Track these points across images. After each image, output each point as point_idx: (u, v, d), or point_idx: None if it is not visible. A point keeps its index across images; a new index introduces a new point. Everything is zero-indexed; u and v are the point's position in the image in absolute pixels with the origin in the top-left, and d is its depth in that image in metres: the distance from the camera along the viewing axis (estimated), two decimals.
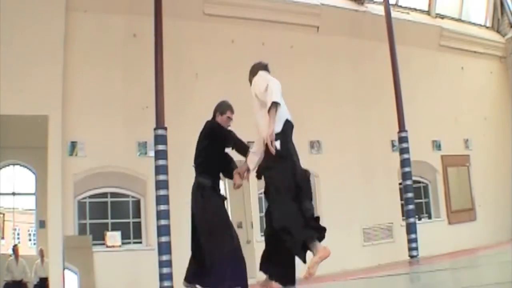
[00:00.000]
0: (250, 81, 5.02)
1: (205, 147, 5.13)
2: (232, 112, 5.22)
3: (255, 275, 8.54)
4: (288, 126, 4.66)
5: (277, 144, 4.50)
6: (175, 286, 7.34)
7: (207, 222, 5.00)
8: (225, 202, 5.36)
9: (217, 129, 5.15)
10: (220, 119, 5.19)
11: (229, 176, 5.21)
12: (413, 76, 11.43)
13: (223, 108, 5.21)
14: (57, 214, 8.04)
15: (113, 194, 9.17)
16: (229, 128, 5.23)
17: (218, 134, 5.13)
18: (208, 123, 5.24)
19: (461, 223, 11.93)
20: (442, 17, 13.10)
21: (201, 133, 5.23)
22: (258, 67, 5.00)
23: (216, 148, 5.14)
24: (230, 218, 5.30)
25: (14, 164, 11.24)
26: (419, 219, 11.27)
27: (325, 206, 10.15)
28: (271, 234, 4.66)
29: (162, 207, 7.71)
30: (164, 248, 7.54)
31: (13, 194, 11.44)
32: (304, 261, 4.47)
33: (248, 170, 5.02)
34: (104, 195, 9.13)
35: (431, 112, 11.88)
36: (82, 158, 8.52)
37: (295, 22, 10.63)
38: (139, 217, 9.14)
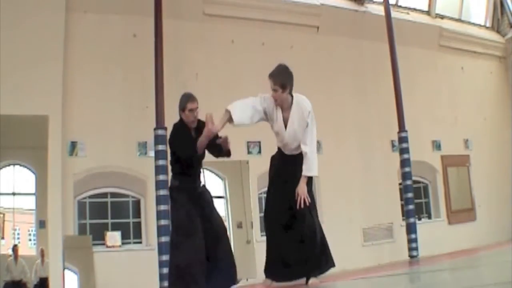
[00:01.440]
0: (282, 86, 4.97)
1: (172, 152, 4.99)
2: (192, 102, 4.91)
3: (255, 275, 8.56)
4: None
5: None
6: None
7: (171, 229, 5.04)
8: (199, 199, 4.99)
9: (172, 142, 4.93)
10: (184, 116, 4.92)
11: (219, 150, 4.96)
12: (413, 76, 11.43)
13: (182, 103, 4.93)
14: (57, 214, 8.03)
15: (113, 194, 9.16)
16: (197, 118, 4.95)
17: (173, 148, 4.95)
18: (173, 127, 5.03)
19: (461, 223, 11.92)
20: (442, 17, 13.09)
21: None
22: (291, 80, 5.05)
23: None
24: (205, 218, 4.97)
25: (14, 164, 11.21)
26: (419, 219, 11.28)
27: (325, 206, 10.15)
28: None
29: (162, 207, 7.71)
30: (164, 248, 7.52)
31: (13, 194, 11.41)
32: None
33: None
34: (104, 195, 9.12)
35: (431, 112, 11.88)
36: (82, 158, 8.51)
37: (295, 22, 10.62)
38: (139, 217, 9.13)
